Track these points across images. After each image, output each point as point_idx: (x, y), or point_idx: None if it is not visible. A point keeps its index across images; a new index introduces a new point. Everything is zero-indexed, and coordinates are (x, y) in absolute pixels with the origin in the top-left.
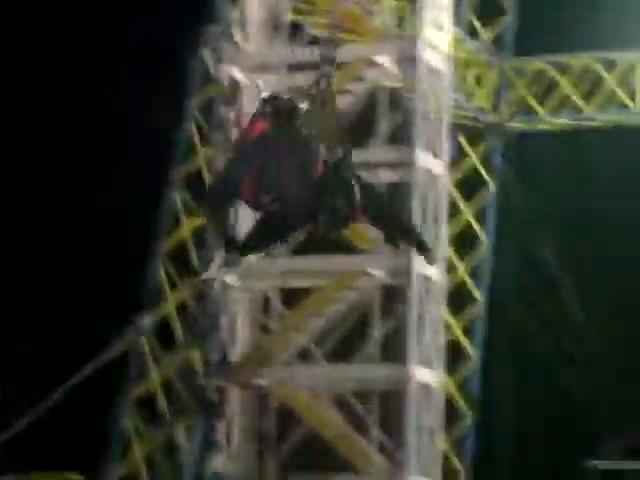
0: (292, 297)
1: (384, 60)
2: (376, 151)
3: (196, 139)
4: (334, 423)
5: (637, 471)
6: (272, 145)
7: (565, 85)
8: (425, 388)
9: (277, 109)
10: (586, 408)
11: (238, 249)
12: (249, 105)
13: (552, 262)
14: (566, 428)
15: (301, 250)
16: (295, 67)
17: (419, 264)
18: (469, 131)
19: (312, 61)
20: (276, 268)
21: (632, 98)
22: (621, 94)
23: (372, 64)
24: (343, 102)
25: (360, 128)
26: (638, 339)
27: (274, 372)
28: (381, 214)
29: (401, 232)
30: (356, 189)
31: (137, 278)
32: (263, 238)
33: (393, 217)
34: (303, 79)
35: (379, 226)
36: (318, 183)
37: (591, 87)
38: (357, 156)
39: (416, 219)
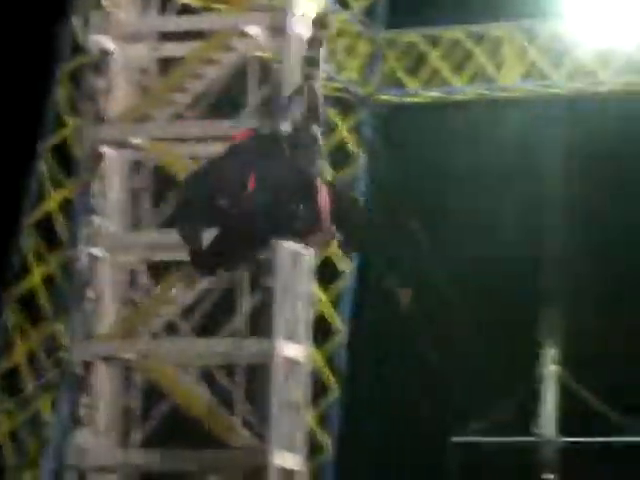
0: (159, 270)
1: (254, 30)
2: (245, 123)
3: (65, 109)
4: (200, 398)
5: (494, 444)
6: (246, 154)
7: (435, 58)
8: (292, 362)
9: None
10: (454, 386)
11: (204, 267)
12: (119, 75)
13: (423, 237)
14: (433, 405)
15: (168, 223)
16: (166, 37)
17: None
18: (339, 103)
19: (182, 31)
20: (143, 241)
21: (499, 71)
22: (489, 67)
23: (242, 34)
24: (211, 72)
25: (228, 99)
26: (504, 321)
27: (140, 346)
28: (346, 220)
29: (358, 241)
30: (322, 194)
31: (2, 250)
32: (229, 252)
33: (358, 224)
34: (173, 49)
35: (341, 230)
36: (285, 191)
37: (461, 60)
38: (223, 128)
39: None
